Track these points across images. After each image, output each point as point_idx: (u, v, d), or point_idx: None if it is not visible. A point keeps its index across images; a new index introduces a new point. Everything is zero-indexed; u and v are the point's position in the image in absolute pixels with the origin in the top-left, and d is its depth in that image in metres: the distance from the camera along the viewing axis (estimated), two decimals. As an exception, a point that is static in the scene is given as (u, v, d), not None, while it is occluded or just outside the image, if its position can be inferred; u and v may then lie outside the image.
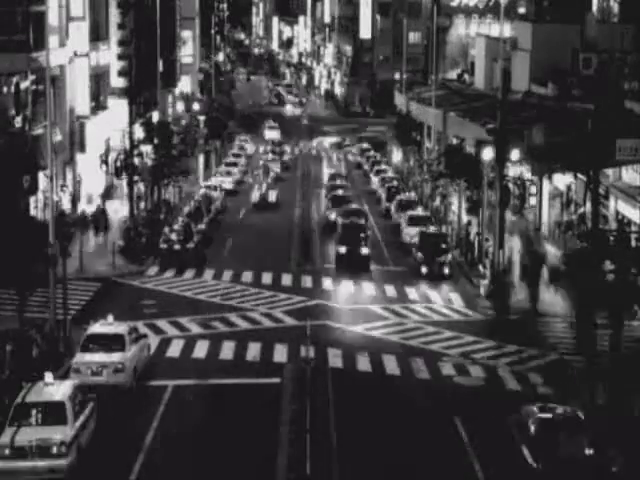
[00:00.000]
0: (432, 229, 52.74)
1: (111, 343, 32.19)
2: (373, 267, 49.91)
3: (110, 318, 33.75)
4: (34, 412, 26.13)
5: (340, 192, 66.07)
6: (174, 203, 63.12)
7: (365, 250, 50.03)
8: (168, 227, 51.70)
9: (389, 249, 54.60)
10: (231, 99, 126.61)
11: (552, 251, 49.33)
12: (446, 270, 47.93)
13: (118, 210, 57.99)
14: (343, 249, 49.85)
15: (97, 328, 33.38)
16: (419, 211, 58.95)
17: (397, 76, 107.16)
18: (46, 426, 25.84)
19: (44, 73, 41.57)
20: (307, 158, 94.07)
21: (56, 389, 27.13)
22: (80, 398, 27.29)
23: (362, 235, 51.08)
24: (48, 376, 27.58)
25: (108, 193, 61.34)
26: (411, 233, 52.92)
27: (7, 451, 25.23)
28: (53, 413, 26.09)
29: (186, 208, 57.74)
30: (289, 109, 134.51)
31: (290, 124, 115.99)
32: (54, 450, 25.28)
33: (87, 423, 27.14)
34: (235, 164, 79.44)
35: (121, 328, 33.06)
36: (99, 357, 31.73)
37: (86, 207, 56.50)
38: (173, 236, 50.07)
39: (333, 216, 59.12)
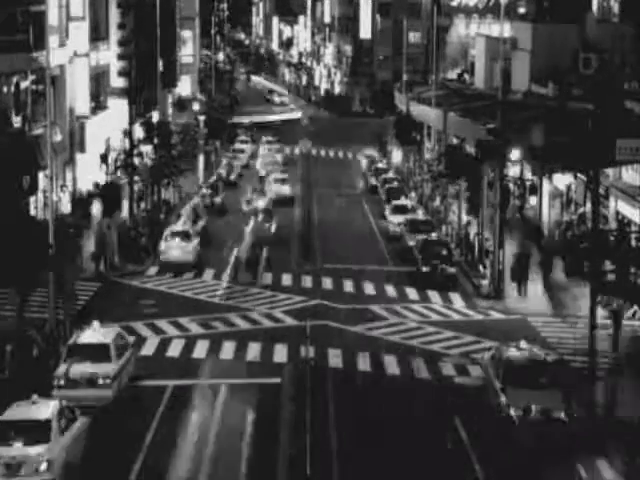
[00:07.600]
0: (434, 236, 50.27)
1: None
2: (373, 267, 49.93)
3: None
4: (85, 351, 30.83)
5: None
6: (174, 203, 63.12)
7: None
8: (203, 184, 66.55)
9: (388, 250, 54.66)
10: (233, 99, 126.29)
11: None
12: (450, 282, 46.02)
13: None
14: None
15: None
16: (420, 215, 57.45)
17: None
18: (94, 363, 30.34)
19: (44, 73, 41.59)
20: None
21: (104, 333, 32.01)
22: (122, 342, 32.14)
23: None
24: (95, 323, 32.36)
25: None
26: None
27: (62, 381, 29.87)
28: (100, 353, 30.71)
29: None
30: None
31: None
32: (100, 382, 29.89)
33: (127, 363, 31.80)
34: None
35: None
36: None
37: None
38: (205, 190, 63.79)
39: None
